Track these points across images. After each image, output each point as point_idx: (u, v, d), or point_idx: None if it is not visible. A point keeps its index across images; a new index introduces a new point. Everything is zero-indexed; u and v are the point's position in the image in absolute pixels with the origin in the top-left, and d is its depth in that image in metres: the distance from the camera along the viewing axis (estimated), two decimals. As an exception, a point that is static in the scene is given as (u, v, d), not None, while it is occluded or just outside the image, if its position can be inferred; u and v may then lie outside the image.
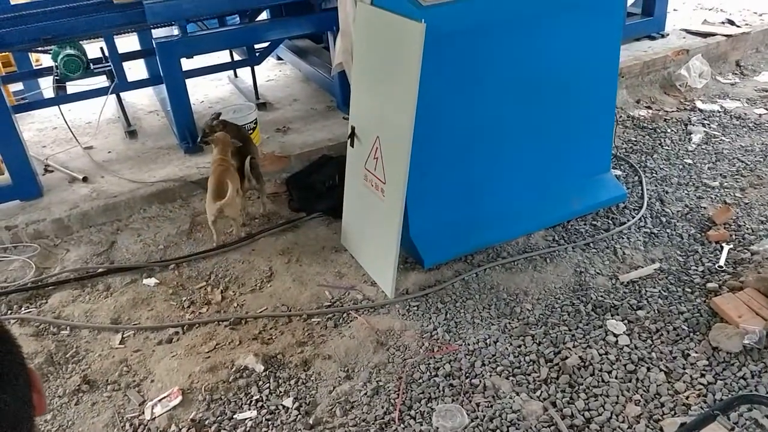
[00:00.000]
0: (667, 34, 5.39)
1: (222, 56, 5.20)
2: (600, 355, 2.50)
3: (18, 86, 5.22)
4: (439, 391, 2.40)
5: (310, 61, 5.10)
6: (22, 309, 3.01)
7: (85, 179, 3.84)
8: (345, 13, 3.03)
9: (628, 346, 2.54)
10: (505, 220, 3.23)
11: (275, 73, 5.59)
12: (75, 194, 3.69)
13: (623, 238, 3.21)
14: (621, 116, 4.61)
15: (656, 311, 2.71)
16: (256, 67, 4.72)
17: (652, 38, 5.33)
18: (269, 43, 4.45)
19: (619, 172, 3.84)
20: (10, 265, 3.28)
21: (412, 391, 2.41)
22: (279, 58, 5.84)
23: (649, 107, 4.74)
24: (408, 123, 2.53)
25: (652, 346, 2.53)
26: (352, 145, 3.02)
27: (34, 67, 5.12)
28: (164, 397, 2.46)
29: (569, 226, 3.34)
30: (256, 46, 4.61)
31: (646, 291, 2.83)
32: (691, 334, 2.56)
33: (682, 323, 2.62)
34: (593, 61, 3.10)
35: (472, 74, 2.80)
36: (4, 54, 5.16)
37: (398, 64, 2.58)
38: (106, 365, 2.66)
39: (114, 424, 2.39)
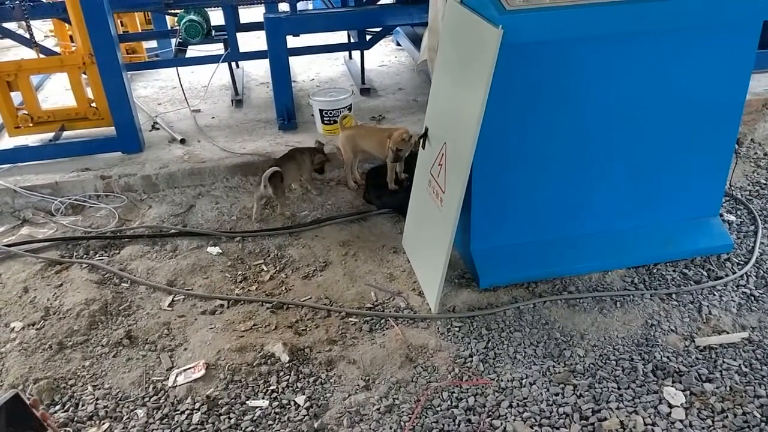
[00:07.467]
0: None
1: (341, 36, 5.23)
2: (645, 424, 2.21)
3: (152, 44, 5.61)
4: (454, 425, 2.23)
5: (424, 51, 4.97)
6: (97, 255, 3.22)
7: (182, 141, 4.02)
8: (435, 9, 2.88)
9: (681, 421, 2.22)
10: (580, 252, 2.95)
11: (390, 59, 5.53)
12: (170, 154, 3.88)
13: (714, 295, 2.82)
14: (756, 153, 4.06)
15: (728, 388, 2.34)
16: (372, 52, 4.69)
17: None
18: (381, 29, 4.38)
19: (733, 218, 3.37)
20: (98, 212, 3.53)
21: (426, 417, 2.27)
22: (398, 44, 5.77)
23: (794, 147, 4.12)
24: (472, 134, 2.35)
25: (711, 427, 2.19)
26: (423, 146, 2.89)
27: (170, 29, 5.46)
28: (189, 368, 2.52)
29: (654, 270, 2.98)
30: (369, 31, 4.57)
31: (724, 362, 2.46)
32: (763, 424, 2.19)
33: (755, 408, 2.24)
34: (711, 93, 2.70)
35: (558, 91, 2.54)
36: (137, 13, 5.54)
37: (472, 70, 2.40)
38: (150, 324, 2.77)
39: (140, 383, 2.48)
